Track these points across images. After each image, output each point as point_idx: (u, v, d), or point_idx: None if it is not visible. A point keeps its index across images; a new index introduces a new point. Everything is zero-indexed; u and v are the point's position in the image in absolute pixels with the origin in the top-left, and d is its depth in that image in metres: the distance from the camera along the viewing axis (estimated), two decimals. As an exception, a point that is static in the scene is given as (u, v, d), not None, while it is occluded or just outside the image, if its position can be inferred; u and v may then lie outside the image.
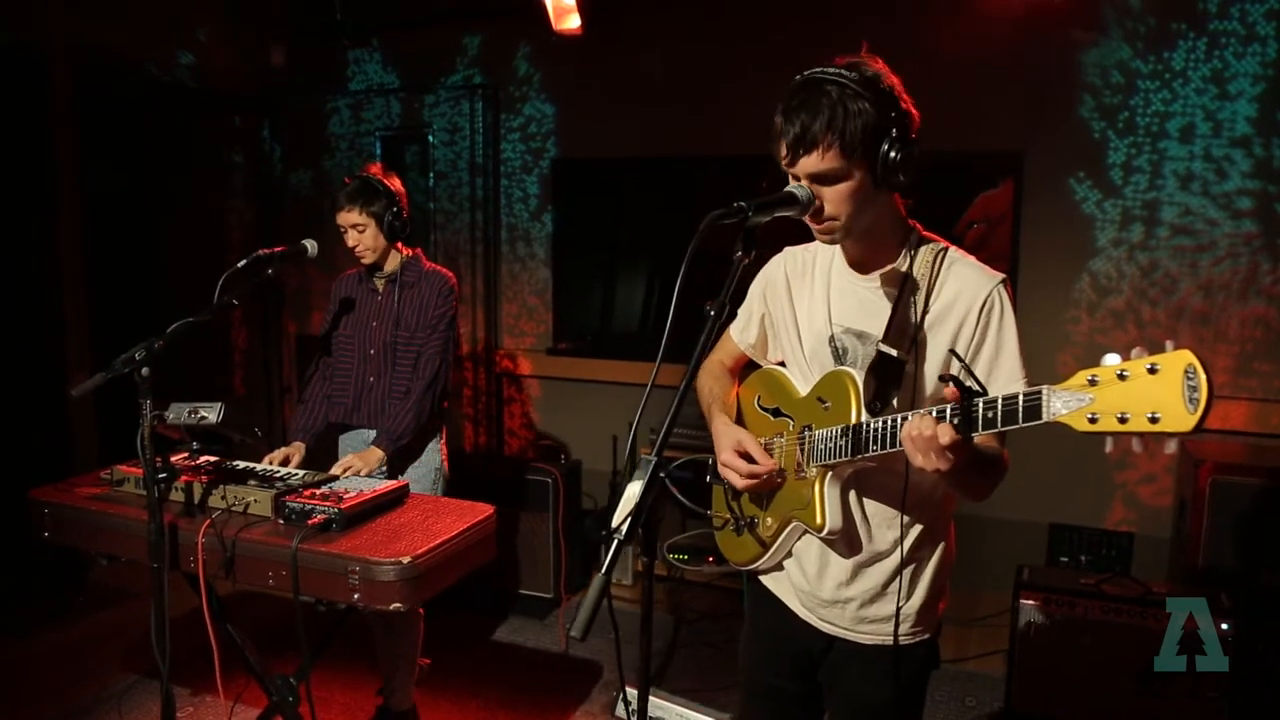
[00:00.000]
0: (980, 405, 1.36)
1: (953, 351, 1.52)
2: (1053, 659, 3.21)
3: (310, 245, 2.97)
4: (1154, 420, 1.13)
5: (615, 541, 1.33)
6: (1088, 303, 4.31)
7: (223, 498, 2.53)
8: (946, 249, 1.69)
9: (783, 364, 1.92)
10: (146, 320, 2.48)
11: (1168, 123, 4.09)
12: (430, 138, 5.49)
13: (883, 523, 1.73)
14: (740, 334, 2.03)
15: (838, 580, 1.77)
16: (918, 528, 1.74)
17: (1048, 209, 4.32)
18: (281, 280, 5.83)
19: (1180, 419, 1.11)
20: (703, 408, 2.00)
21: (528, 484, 4.38)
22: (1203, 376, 1.10)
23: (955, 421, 1.37)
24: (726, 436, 1.81)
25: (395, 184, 3.10)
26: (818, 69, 1.57)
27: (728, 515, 1.93)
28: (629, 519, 1.35)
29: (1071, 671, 3.19)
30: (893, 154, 1.54)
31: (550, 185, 5.32)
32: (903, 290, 1.66)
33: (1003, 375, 1.63)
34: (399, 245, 3.16)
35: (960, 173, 4.45)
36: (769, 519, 1.82)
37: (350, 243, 3.06)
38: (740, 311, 2.01)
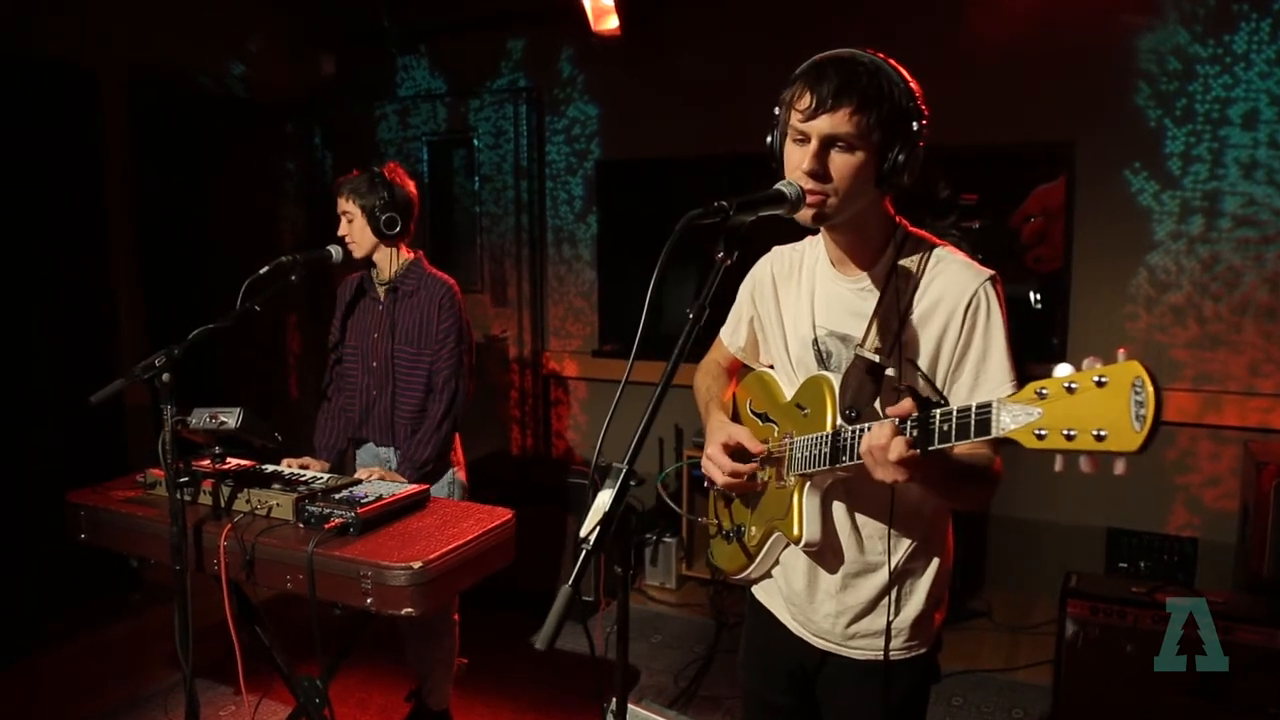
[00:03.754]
0: (937, 417, 1.29)
1: (911, 361, 1.44)
2: (1101, 670, 3.08)
3: (335, 250, 2.97)
4: (1100, 438, 1.04)
5: (584, 552, 1.30)
6: (1145, 298, 4.13)
7: (247, 501, 2.56)
8: (934, 246, 1.61)
9: (773, 367, 1.85)
10: (199, 326, 2.52)
11: (1229, 109, 3.90)
12: (475, 141, 5.53)
13: (873, 534, 1.66)
14: (730, 337, 1.97)
15: (827, 594, 1.70)
16: (908, 540, 1.65)
17: (1102, 201, 4.14)
18: (334, 286, 5.94)
19: (1126, 437, 1.02)
20: (700, 407, 1.94)
21: (569, 487, 4.38)
22: (1150, 390, 1.00)
23: (914, 434, 1.31)
24: (718, 431, 1.75)
25: (405, 184, 3.00)
26: (846, 49, 1.52)
27: (718, 521, 1.87)
28: (598, 529, 1.31)
29: (1120, 684, 3.05)
30: (901, 156, 1.48)
31: (595, 186, 5.32)
32: (886, 290, 1.57)
33: (990, 378, 1.54)
34: (402, 247, 3.06)
35: (1012, 165, 4.31)
36: (754, 528, 1.76)
37: (340, 232, 3.00)
38: (730, 314, 1.94)
